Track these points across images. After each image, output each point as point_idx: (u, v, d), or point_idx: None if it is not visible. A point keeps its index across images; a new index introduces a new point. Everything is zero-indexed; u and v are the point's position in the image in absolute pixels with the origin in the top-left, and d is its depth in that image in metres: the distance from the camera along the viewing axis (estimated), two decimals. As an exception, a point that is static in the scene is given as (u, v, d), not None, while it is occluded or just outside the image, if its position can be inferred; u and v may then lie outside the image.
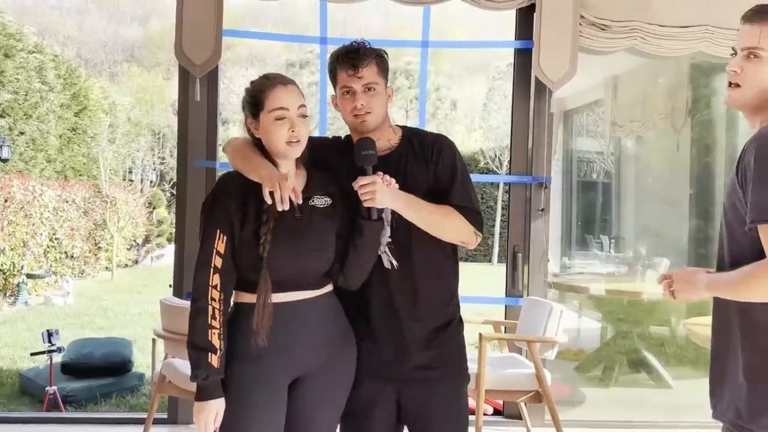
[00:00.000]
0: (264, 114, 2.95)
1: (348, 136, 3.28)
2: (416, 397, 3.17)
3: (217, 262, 2.89)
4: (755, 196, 2.34)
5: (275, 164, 2.98)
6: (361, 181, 2.89)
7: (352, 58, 3.06)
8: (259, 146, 3.02)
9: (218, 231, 2.89)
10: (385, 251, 3.10)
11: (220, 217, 2.91)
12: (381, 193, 2.89)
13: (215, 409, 2.86)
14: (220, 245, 2.89)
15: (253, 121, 3.00)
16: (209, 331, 2.84)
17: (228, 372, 2.89)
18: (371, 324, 3.16)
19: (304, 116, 2.98)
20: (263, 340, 2.85)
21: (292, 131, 2.92)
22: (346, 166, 3.08)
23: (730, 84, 2.56)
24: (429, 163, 3.15)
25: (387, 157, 3.12)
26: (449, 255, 3.23)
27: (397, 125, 3.29)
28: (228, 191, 2.96)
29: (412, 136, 3.24)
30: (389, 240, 3.08)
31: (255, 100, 2.99)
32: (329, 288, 3.08)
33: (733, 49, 2.59)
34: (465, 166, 3.23)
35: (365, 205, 2.93)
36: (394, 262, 3.10)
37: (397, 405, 3.19)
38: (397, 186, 2.96)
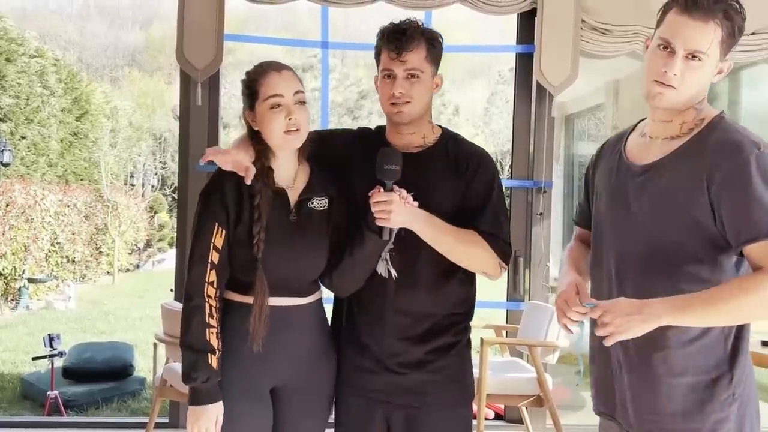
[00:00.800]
0: (259, 104, 2.76)
1: (380, 127, 3.03)
2: (408, 424, 2.88)
3: (214, 257, 2.73)
4: (756, 213, 2.26)
5: (274, 157, 2.80)
6: (376, 197, 2.63)
7: (398, 39, 2.76)
8: (259, 140, 2.81)
9: (216, 224, 2.73)
10: (385, 258, 2.82)
11: (218, 210, 2.74)
12: (397, 213, 2.62)
13: (215, 413, 2.70)
14: (218, 239, 2.73)
15: (251, 113, 2.81)
16: (207, 330, 2.69)
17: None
18: (360, 339, 2.90)
19: (302, 102, 2.77)
20: (258, 344, 2.73)
21: (289, 119, 2.71)
22: (362, 159, 2.83)
23: (660, 83, 2.38)
24: (461, 178, 2.82)
25: (416, 156, 2.85)
26: (461, 276, 2.87)
27: (438, 125, 2.98)
28: (224, 185, 2.76)
29: (450, 141, 2.92)
30: (392, 246, 2.79)
31: (250, 90, 2.80)
32: (318, 296, 2.94)
33: (664, 41, 2.38)
34: (502, 191, 2.91)
35: (378, 223, 2.65)
36: (394, 272, 2.81)
37: (387, 426, 2.92)
38: (416, 204, 2.67)
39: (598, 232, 2.64)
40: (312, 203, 2.84)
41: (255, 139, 2.82)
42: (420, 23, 2.83)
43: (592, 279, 2.67)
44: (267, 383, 2.85)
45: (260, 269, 2.72)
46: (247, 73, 2.85)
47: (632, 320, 2.26)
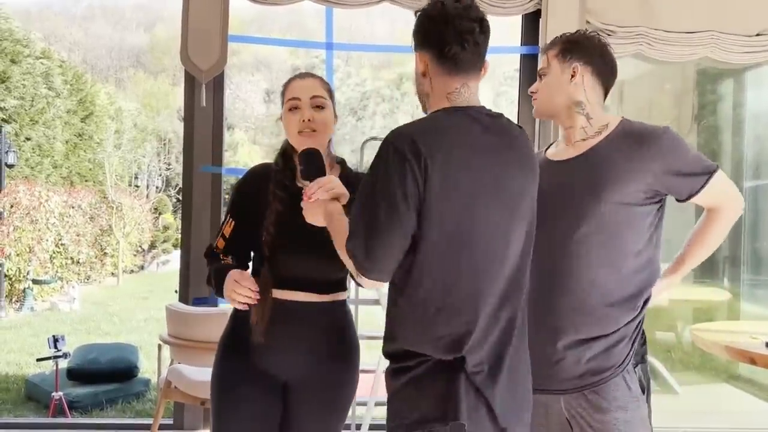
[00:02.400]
0: (283, 107, 2.95)
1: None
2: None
3: (220, 243, 3.02)
4: (697, 165, 2.78)
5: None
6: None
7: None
8: (288, 143, 2.98)
9: (229, 215, 3.00)
10: None
11: (241, 201, 2.99)
12: (308, 211, 2.65)
13: (235, 277, 2.79)
14: (227, 228, 2.99)
15: (281, 119, 2.99)
16: (222, 261, 2.97)
17: (221, 365, 2.96)
18: None
19: (320, 107, 2.90)
20: (261, 335, 2.83)
21: (302, 120, 2.86)
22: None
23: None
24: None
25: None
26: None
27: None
28: (254, 180, 3.00)
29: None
30: None
31: (282, 95, 2.98)
32: (339, 297, 2.98)
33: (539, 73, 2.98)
34: (366, 182, 2.41)
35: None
36: None
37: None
38: (322, 192, 2.60)
39: None
40: None
41: (287, 143, 3.00)
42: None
43: None
44: (278, 375, 2.94)
45: (266, 266, 2.86)
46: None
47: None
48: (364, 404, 5.24)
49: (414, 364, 2.36)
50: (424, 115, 2.50)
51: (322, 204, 2.59)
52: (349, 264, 2.43)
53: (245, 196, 2.98)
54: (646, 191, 2.72)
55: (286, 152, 2.98)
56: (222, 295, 2.86)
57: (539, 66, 2.99)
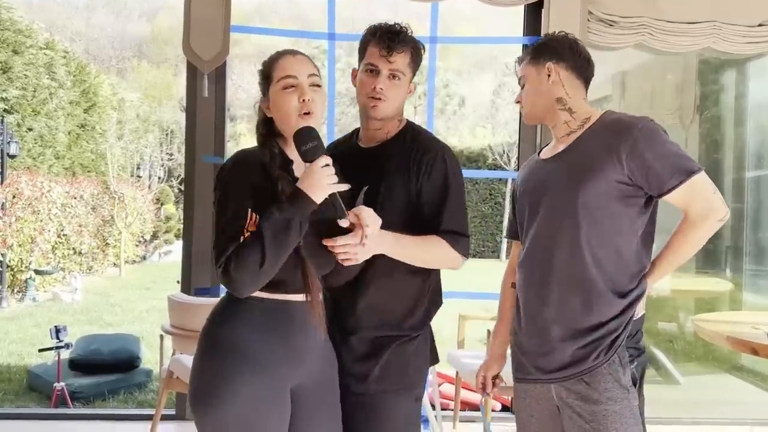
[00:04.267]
0: (273, 86, 2.65)
1: (356, 129, 3.09)
2: (353, 412, 2.86)
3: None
4: (668, 162, 2.74)
5: (290, 147, 2.63)
6: (331, 242, 2.60)
7: (391, 39, 2.85)
8: (270, 130, 2.69)
9: (250, 210, 2.50)
10: None
11: (248, 193, 2.54)
12: (362, 254, 2.63)
13: (315, 170, 2.49)
14: (252, 226, 2.48)
15: (265, 100, 2.69)
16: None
17: (238, 380, 2.52)
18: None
19: (317, 85, 2.65)
20: (321, 332, 2.68)
21: (303, 100, 2.59)
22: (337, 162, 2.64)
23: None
24: (413, 177, 2.84)
25: (373, 151, 2.95)
26: (416, 272, 2.89)
27: (407, 119, 3.02)
28: (249, 168, 2.59)
29: (409, 133, 2.96)
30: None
31: (265, 74, 2.69)
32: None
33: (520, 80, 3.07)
34: (459, 183, 2.94)
35: (344, 264, 2.65)
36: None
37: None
38: (376, 229, 2.61)
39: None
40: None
41: (268, 129, 2.70)
42: (410, 31, 2.92)
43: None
44: (288, 383, 2.65)
45: (306, 259, 2.58)
46: (263, 62, 2.75)
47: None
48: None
49: None
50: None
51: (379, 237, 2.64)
52: (451, 255, 2.82)
53: (256, 189, 2.53)
54: (620, 181, 2.74)
55: (272, 136, 2.69)
56: (303, 213, 2.49)
57: (518, 77, 3.07)
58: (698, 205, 2.76)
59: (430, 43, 6.01)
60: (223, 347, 2.58)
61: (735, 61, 7.78)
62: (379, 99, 2.86)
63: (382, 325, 2.90)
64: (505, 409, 6.23)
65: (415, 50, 2.92)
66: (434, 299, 3.02)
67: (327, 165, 2.50)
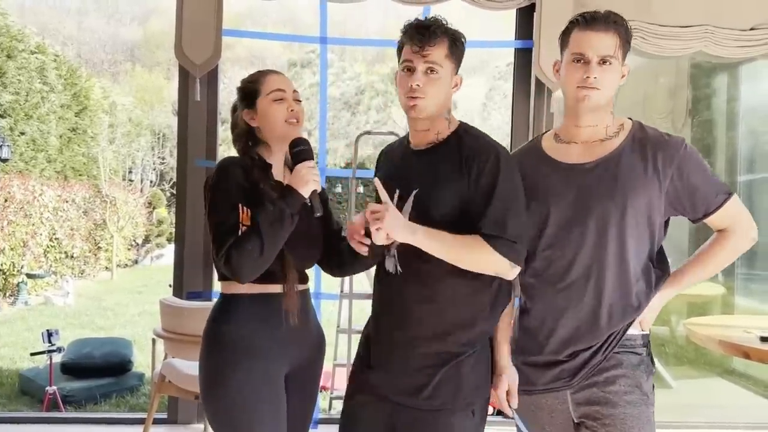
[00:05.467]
0: (261, 98, 3.01)
1: (406, 136, 3.01)
2: (409, 425, 2.79)
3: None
4: (711, 183, 2.78)
5: (271, 153, 3.04)
6: (370, 208, 2.64)
7: (421, 33, 2.73)
8: (253, 138, 3.05)
9: (240, 205, 2.79)
10: (394, 254, 2.77)
11: (237, 192, 2.82)
12: (390, 220, 2.59)
13: (302, 171, 2.85)
14: (245, 219, 2.78)
15: (250, 111, 3.03)
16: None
17: (236, 368, 2.84)
18: (368, 328, 2.97)
19: (299, 100, 3.04)
20: (294, 319, 2.93)
21: (291, 110, 2.99)
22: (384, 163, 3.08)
23: (587, 87, 2.83)
24: (464, 177, 2.70)
25: (424, 153, 2.83)
26: (474, 281, 2.76)
27: (460, 121, 2.89)
28: (236, 172, 2.87)
29: (463, 135, 2.80)
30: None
31: (250, 89, 3.05)
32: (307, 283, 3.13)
33: (580, 54, 2.90)
34: (510, 186, 2.71)
35: (375, 242, 2.65)
36: (399, 269, 2.76)
37: (392, 427, 2.83)
38: (391, 224, 2.59)
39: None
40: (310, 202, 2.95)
41: (251, 138, 3.06)
42: (444, 21, 2.82)
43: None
44: (282, 368, 2.98)
45: (287, 254, 2.89)
46: (244, 79, 3.11)
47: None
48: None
49: None
50: None
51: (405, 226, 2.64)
52: (497, 260, 2.65)
53: (242, 188, 2.83)
54: (662, 203, 2.75)
55: (255, 144, 3.06)
56: (292, 206, 2.81)
57: (607, 51, 2.82)
58: (735, 221, 2.83)
59: (422, 46, 6.01)
60: (222, 342, 2.91)
61: (727, 65, 7.80)
62: (417, 97, 2.73)
63: (437, 338, 2.76)
64: (500, 413, 6.21)
65: (452, 39, 2.80)
66: (493, 315, 2.91)
67: (312, 167, 2.86)
